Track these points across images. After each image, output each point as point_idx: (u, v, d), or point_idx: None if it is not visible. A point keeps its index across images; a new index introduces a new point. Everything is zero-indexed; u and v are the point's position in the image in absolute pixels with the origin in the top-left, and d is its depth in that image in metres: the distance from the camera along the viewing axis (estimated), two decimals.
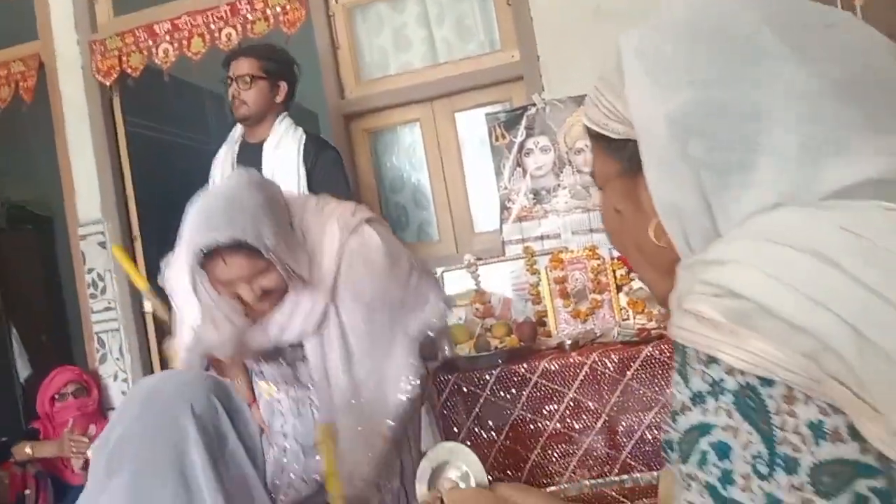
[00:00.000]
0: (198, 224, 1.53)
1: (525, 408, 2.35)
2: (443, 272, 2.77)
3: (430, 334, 1.75)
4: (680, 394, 0.54)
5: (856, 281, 0.49)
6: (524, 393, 2.36)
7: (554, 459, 2.35)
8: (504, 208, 2.85)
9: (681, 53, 0.60)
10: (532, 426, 2.35)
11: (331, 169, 2.58)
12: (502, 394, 2.38)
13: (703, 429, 0.52)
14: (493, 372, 2.36)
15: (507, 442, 2.35)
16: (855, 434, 0.48)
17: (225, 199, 1.55)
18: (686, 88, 0.58)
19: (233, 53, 2.63)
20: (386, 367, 1.68)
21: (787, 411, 0.49)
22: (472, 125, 3.01)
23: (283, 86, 2.58)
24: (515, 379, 2.36)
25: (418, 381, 1.68)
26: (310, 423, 1.70)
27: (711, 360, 0.52)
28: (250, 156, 2.59)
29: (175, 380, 1.49)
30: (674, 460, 0.55)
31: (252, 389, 1.74)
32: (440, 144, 3.05)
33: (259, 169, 2.53)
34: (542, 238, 2.81)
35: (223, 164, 2.64)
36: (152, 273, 2.08)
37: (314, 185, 2.54)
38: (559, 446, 2.35)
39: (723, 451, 0.51)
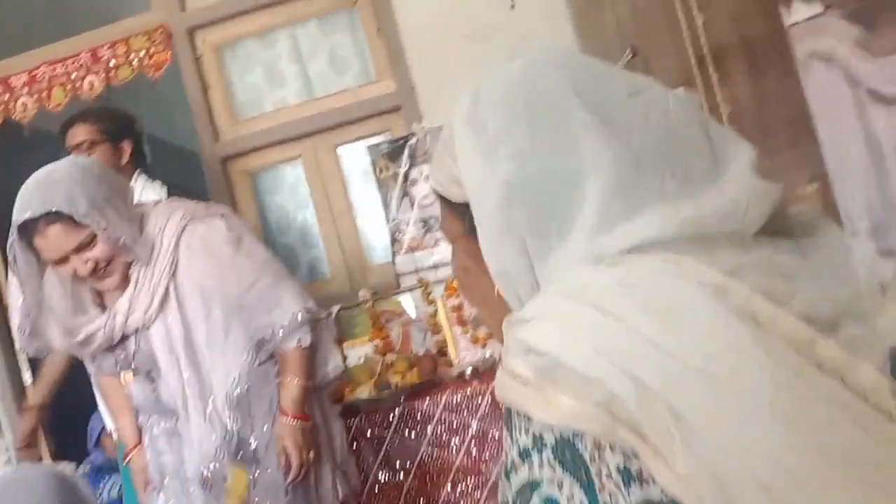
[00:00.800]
0: (16, 206, 1.60)
1: (431, 443, 2.32)
2: (339, 310, 2.71)
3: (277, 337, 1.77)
4: (510, 451, 0.57)
5: (632, 330, 0.53)
6: (429, 428, 2.33)
7: (464, 494, 2.32)
8: (395, 240, 2.81)
9: (501, 125, 0.63)
10: (440, 462, 2.32)
11: None
12: (407, 432, 2.34)
13: (533, 485, 0.55)
14: (397, 411, 2.32)
15: (416, 482, 2.31)
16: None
17: (39, 177, 1.63)
18: (507, 160, 0.62)
19: (67, 121, 2.49)
20: (218, 360, 1.73)
21: (599, 458, 0.52)
22: (355, 158, 2.97)
23: (126, 146, 2.47)
24: (419, 416, 2.33)
25: (243, 378, 1.74)
26: (179, 455, 1.78)
27: (529, 417, 0.55)
28: None
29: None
30: None
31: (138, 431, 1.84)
32: (324, 180, 2.99)
33: None
34: (435, 267, 2.79)
35: None
36: None
37: None
38: (469, 479, 2.32)
39: None
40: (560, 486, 0.53)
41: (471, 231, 0.67)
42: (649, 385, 0.51)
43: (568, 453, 0.53)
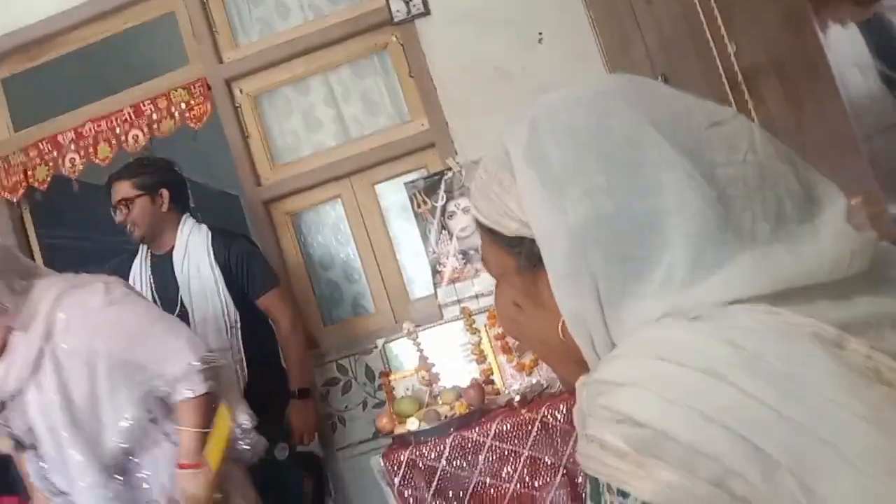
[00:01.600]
0: None
1: (483, 473, 2.34)
2: (384, 343, 2.76)
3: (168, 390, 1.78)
4: None
5: (747, 395, 0.48)
6: (480, 458, 2.35)
7: None
8: (436, 272, 2.86)
9: (570, 161, 0.58)
10: (493, 490, 2.33)
11: (247, 259, 2.57)
12: (458, 462, 2.36)
13: None
14: (447, 441, 2.34)
15: None
16: None
17: None
18: (580, 198, 0.57)
19: (109, 179, 2.61)
20: (108, 419, 1.74)
21: None
22: (393, 195, 3.04)
23: (165, 193, 2.56)
24: (469, 445, 2.35)
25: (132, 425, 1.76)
26: None
27: (624, 493, 0.50)
28: (163, 267, 2.58)
29: None
30: None
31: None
32: (364, 217, 3.06)
33: (174, 278, 2.53)
34: (476, 297, 2.83)
35: (139, 281, 2.60)
36: None
37: (235, 281, 2.53)
38: None
39: None
40: None
41: (527, 267, 0.62)
42: (774, 457, 0.46)
43: None
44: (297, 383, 2.61)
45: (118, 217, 2.55)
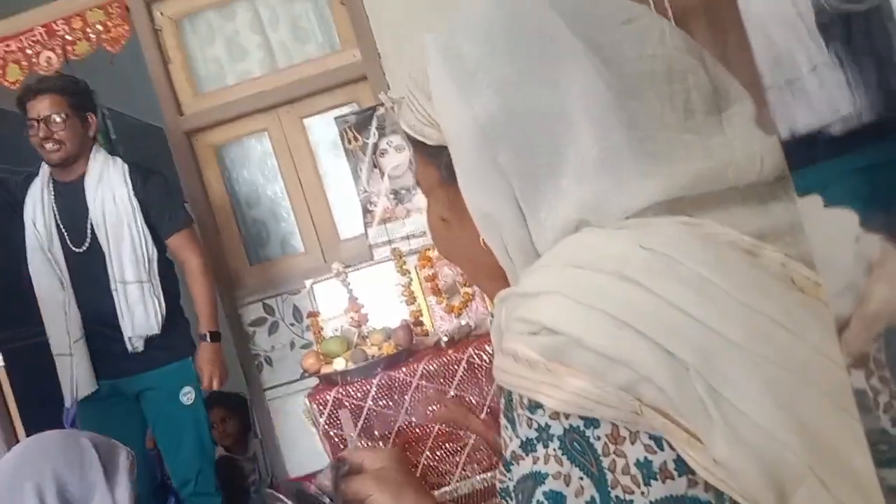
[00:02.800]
0: None
1: (409, 412, 2.33)
2: (312, 284, 2.69)
3: None
4: (510, 441, 0.52)
5: (661, 299, 0.47)
6: (406, 397, 2.34)
7: (443, 459, 2.34)
8: (367, 212, 2.80)
9: (479, 55, 0.57)
10: (418, 430, 2.34)
11: (163, 196, 2.48)
12: (385, 402, 2.35)
13: (537, 478, 0.50)
14: (374, 381, 2.32)
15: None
16: (682, 468, 0.47)
17: None
18: (487, 92, 0.56)
19: (27, 92, 2.42)
20: None
21: (615, 451, 0.48)
22: (323, 130, 2.93)
23: (93, 118, 2.44)
24: (396, 385, 2.34)
25: None
26: None
27: (535, 405, 0.49)
28: (71, 195, 2.43)
29: (22, 452, 1.36)
30: None
31: None
32: (292, 153, 2.95)
33: (85, 206, 2.40)
34: (408, 238, 2.79)
35: (39, 212, 2.44)
36: None
37: (152, 214, 2.44)
38: (446, 445, 2.35)
39: (557, 499, 0.48)
40: (567, 481, 0.48)
41: (449, 177, 0.61)
42: (685, 361, 0.46)
43: (578, 445, 0.48)
44: (207, 327, 2.51)
45: (40, 133, 2.35)
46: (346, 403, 2.34)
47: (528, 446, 0.50)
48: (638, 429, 0.47)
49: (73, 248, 2.41)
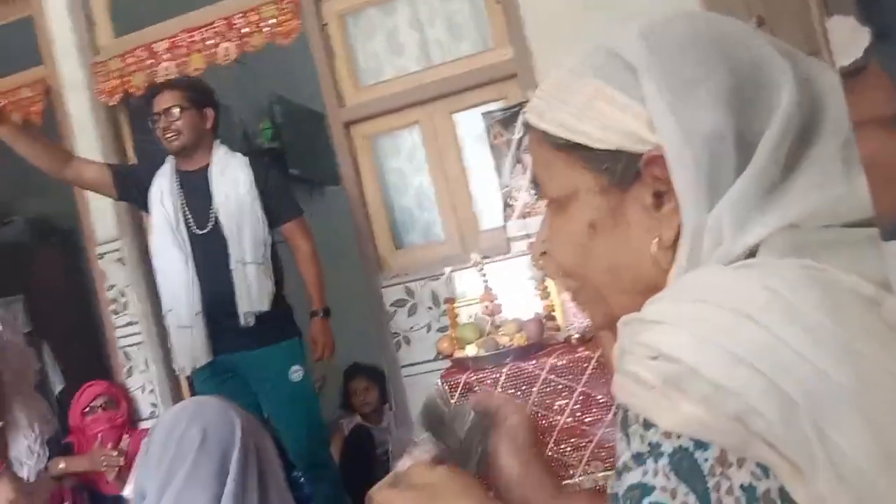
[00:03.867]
0: None
1: (536, 404, 2.40)
2: (451, 272, 2.81)
3: None
4: (623, 452, 0.56)
5: (777, 338, 0.49)
6: (534, 389, 2.40)
7: (567, 453, 2.39)
8: (507, 205, 2.87)
9: (700, 71, 0.58)
10: (544, 422, 2.39)
11: (281, 186, 2.73)
12: (512, 391, 2.42)
13: (644, 489, 0.53)
14: (503, 370, 2.41)
15: None
16: (784, 498, 0.48)
17: None
18: (715, 107, 0.57)
19: (155, 89, 2.73)
20: None
21: (721, 473, 0.50)
22: (471, 125, 3.02)
23: (210, 112, 2.69)
24: (524, 376, 2.41)
25: None
26: None
27: (649, 424, 0.53)
28: (195, 183, 2.69)
29: (217, 402, 1.47)
30: None
31: None
32: (440, 145, 3.07)
33: (208, 193, 2.65)
34: None
35: (167, 196, 2.71)
36: None
37: (269, 203, 2.67)
38: (571, 440, 2.39)
39: None
40: (674, 496, 0.51)
41: (617, 184, 0.61)
42: (794, 399, 0.47)
43: (685, 463, 0.51)
44: (319, 304, 2.75)
45: (160, 124, 2.65)
46: (476, 388, 2.44)
47: (639, 459, 0.53)
48: (746, 456, 0.49)
49: (197, 231, 2.67)
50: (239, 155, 2.72)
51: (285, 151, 3.83)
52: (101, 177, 2.78)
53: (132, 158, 3.41)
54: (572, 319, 2.66)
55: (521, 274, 2.79)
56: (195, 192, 2.69)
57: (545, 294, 2.72)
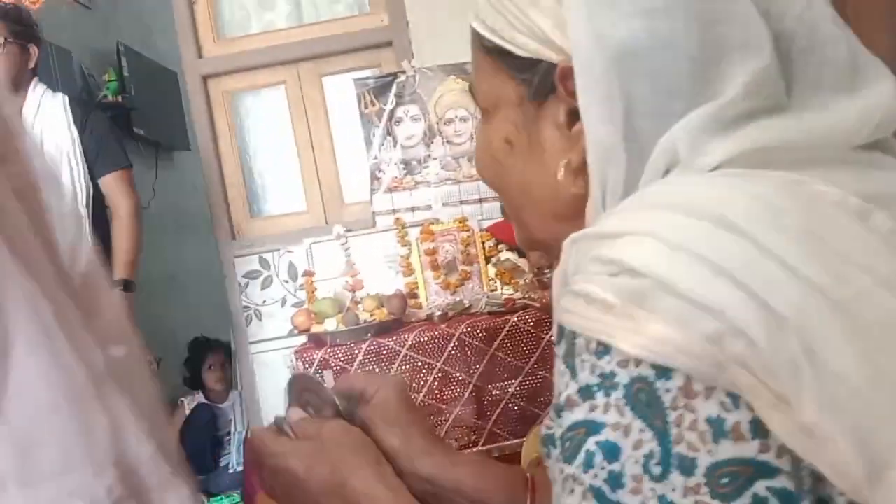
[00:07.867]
0: None
1: None
2: (311, 244, 2.69)
3: None
4: (565, 387, 0.48)
5: (762, 249, 0.44)
6: (393, 366, 2.34)
7: None
8: (374, 178, 2.79)
9: None
10: None
11: (102, 133, 2.43)
12: (371, 367, 2.35)
13: (591, 427, 0.46)
14: (362, 346, 2.33)
15: None
16: (757, 431, 0.43)
17: None
18: (634, 18, 0.50)
19: None
20: None
21: (685, 405, 0.44)
22: (341, 90, 2.91)
23: (35, 49, 2.39)
24: (384, 352, 2.34)
25: None
26: None
27: (603, 350, 0.45)
28: None
29: None
30: (554, 457, 0.49)
31: None
32: (307, 109, 2.94)
33: None
34: (412, 209, 2.78)
35: None
36: None
37: (88, 150, 2.39)
38: (428, 418, 2.35)
39: (611, 451, 0.45)
40: (627, 433, 0.45)
41: (534, 97, 0.56)
42: (783, 315, 0.42)
43: (643, 395, 0.44)
44: (123, 273, 2.40)
45: None
46: (332, 365, 2.34)
47: (586, 392, 0.46)
48: (716, 385, 0.43)
49: None
50: (59, 95, 2.42)
51: (131, 108, 3.52)
52: None
53: None
54: (434, 298, 2.63)
55: (385, 250, 2.72)
56: None
57: (409, 271, 2.67)
